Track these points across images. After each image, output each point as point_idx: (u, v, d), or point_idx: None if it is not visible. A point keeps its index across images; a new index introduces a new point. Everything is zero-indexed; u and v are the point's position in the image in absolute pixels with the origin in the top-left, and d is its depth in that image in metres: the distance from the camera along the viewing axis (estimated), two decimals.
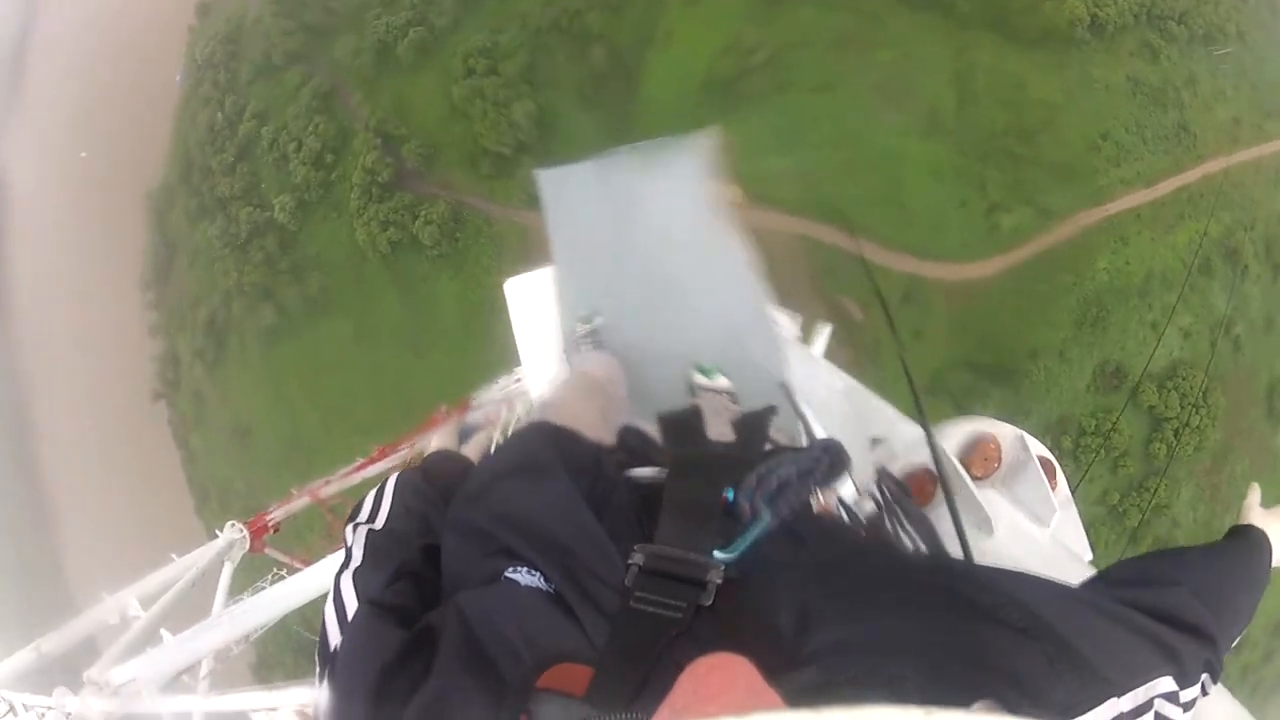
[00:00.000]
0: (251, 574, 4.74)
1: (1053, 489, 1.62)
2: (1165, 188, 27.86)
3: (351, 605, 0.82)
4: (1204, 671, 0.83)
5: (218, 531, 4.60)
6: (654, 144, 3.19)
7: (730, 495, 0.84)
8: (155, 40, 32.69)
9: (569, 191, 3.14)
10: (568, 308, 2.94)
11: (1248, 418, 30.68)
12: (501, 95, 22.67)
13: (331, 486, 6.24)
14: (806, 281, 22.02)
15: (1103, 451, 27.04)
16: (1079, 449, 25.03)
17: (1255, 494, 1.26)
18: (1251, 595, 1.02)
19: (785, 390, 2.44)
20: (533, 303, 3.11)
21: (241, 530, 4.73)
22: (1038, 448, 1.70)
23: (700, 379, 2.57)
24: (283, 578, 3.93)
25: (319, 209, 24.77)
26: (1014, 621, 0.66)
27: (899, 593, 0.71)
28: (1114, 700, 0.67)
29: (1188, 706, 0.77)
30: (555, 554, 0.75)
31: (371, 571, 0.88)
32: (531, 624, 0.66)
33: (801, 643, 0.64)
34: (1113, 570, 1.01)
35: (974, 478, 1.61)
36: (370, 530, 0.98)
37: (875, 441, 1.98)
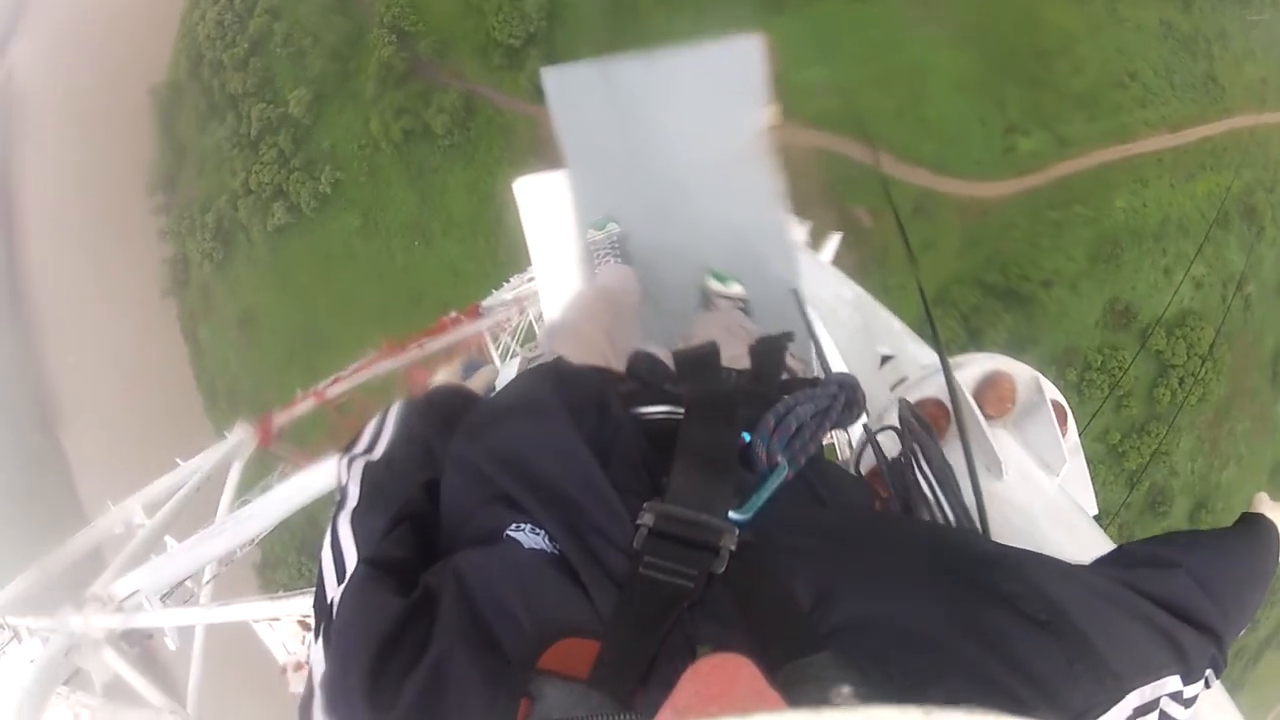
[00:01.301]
0: (258, 472, 4.67)
1: (1063, 435, 1.56)
2: (1189, 135, 27.53)
3: (350, 554, 0.79)
4: (1209, 667, 0.80)
5: (226, 433, 4.40)
6: (692, 42, 2.99)
7: (745, 438, 0.82)
8: None
9: (577, 91, 2.98)
10: (583, 213, 2.84)
11: (1251, 379, 30.63)
12: None
13: (339, 385, 6.08)
14: (818, 189, 21.81)
15: (1107, 388, 26.98)
16: (1084, 383, 25.01)
17: (1264, 497, 1.19)
18: (1258, 588, 0.99)
19: (798, 301, 2.39)
20: (543, 204, 2.99)
21: (250, 430, 4.51)
22: (1052, 391, 1.64)
23: (714, 284, 2.55)
24: (287, 476, 3.82)
25: (334, 101, 24.49)
26: (1036, 613, 0.64)
27: (921, 573, 0.68)
28: (1123, 700, 0.66)
29: (1190, 703, 0.76)
30: (559, 508, 0.71)
31: (369, 514, 0.83)
32: (534, 591, 0.64)
33: (818, 619, 0.62)
34: (1123, 551, 0.98)
35: (987, 416, 1.54)
36: (369, 463, 0.93)
37: (885, 359, 1.91)
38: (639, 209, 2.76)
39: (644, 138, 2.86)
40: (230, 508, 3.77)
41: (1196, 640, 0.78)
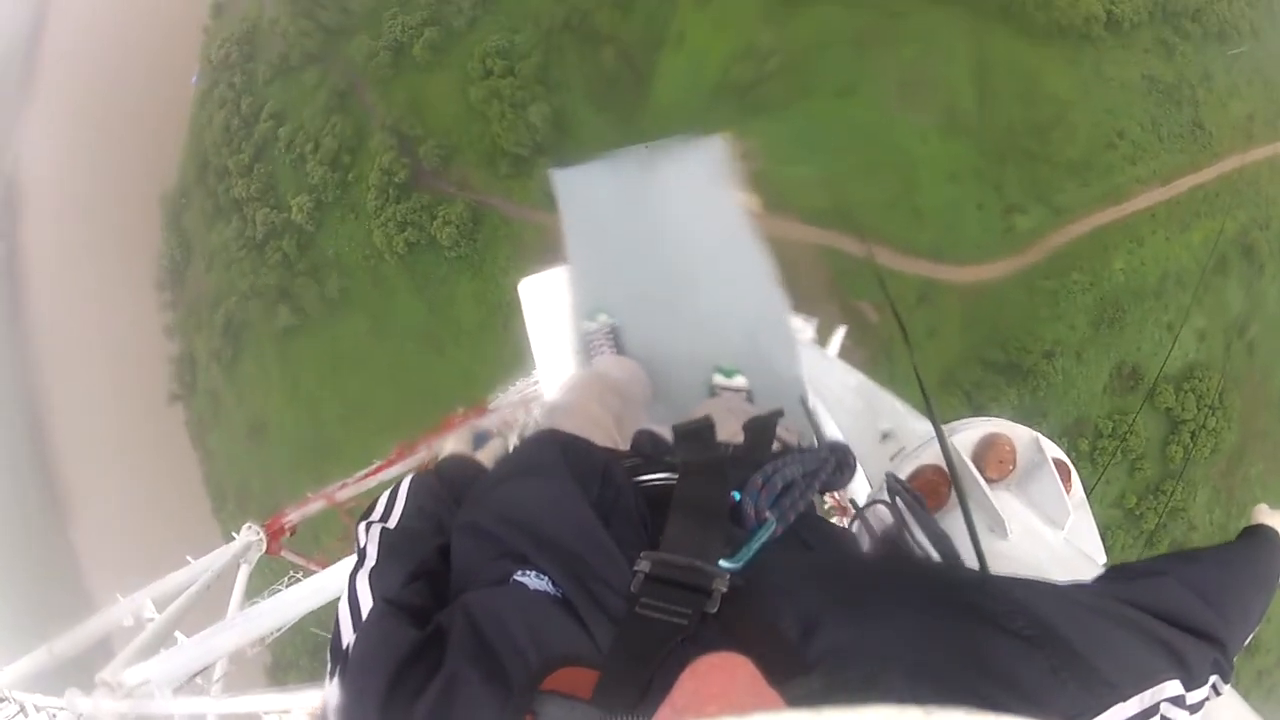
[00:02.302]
0: (268, 577, 4.76)
1: (1067, 492, 1.60)
2: (1181, 186, 27.75)
3: (366, 604, 0.82)
4: (1213, 673, 0.83)
5: (234, 534, 4.56)
6: (671, 142, 3.16)
7: (736, 497, 0.86)
8: (169, 40, 32.78)
9: (584, 189, 3.11)
10: (580, 306, 2.93)
11: (1262, 420, 30.58)
12: (519, 97, 22.72)
13: (349, 490, 6.16)
14: (823, 286, 22.04)
15: (1120, 454, 26.94)
16: (1096, 451, 24.98)
17: (1264, 507, 1.26)
18: (1262, 594, 1.02)
19: (798, 388, 2.48)
20: (547, 303, 3.09)
21: (258, 532, 4.67)
22: (1053, 450, 1.68)
23: (720, 379, 2.63)
24: (299, 580, 3.92)
25: (336, 209, 24.84)
26: (1019, 629, 0.67)
27: (904, 599, 0.71)
28: (1120, 705, 0.68)
29: (1195, 709, 0.78)
30: (563, 559, 0.75)
31: (388, 569, 0.87)
32: (539, 625, 0.67)
33: (806, 648, 0.64)
34: (1116, 569, 1.02)
35: (988, 479, 1.59)
36: (384, 529, 0.98)
37: (885, 435, 1.98)
38: (634, 300, 2.82)
39: (634, 232, 2.95)
40: (240, 606, 3.83)
41: (1195, 646, 0.80)
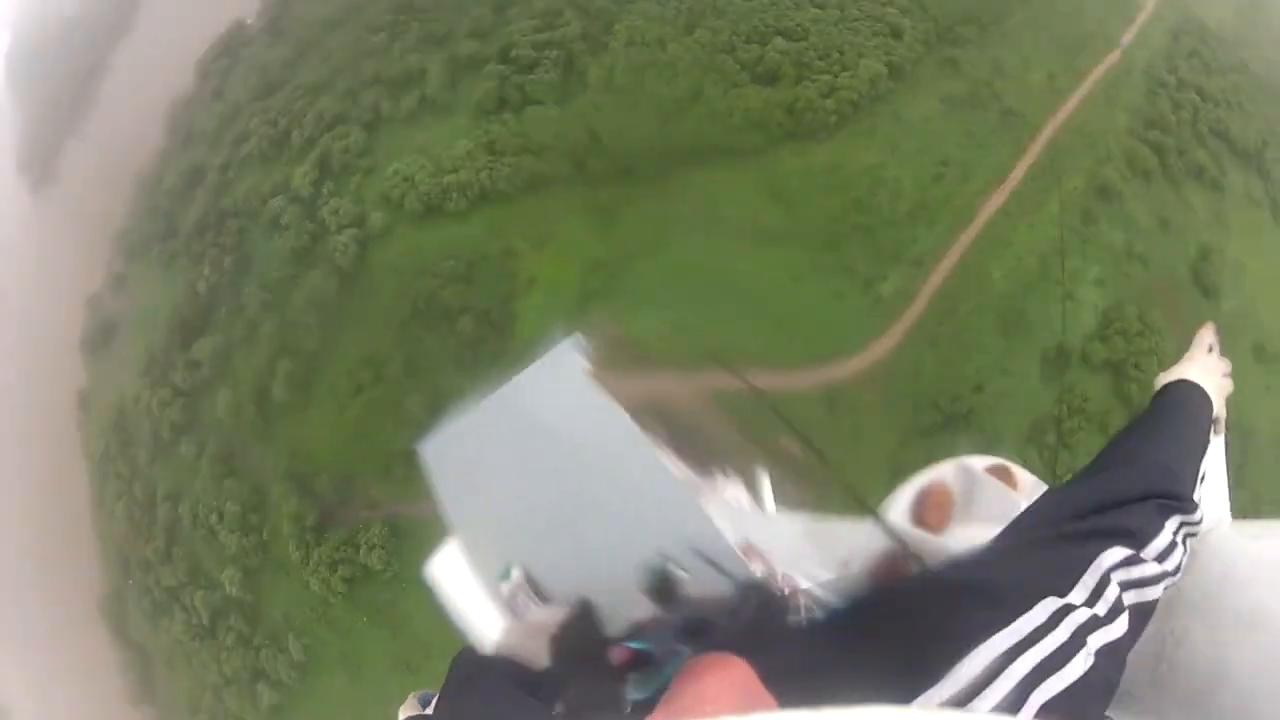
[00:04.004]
0: None
1: (1016, 488, 1.66)
2: (1017, 174, 28.89)
3: None
4: (1165, 517, 0.90)
5: None
6: (519, 366, 3.11)
7: (635, 645, 0.95)
8: (47, 435, 32.40)
9: (450, 451, 2.92)
10: (485, 572, 2.76)
11: (1185, 311, 31.33)
12: (393, 396, 22.79)
13: None
14: (735, 434, 22.15)
15: (1084, 424, 27.28)
16: (1066, 434, 25.24)
17: (1161, 375, 1.35)
18: (1189, 425, 1.13)
19: (711, 558, 2.41)
20: (459, 577, 2.84)
21: None
22: (980, 463, 1.76)
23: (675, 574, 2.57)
24: None
25: (265, 572, 24.27)
26: (913, 599, 0.77)
27: (820, 628, 0.84)
28: (1051, 599, 0.73)
29: (1166, 552, 0.86)
30: None
31: None
32: None
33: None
34: (1045, 497, 1.11)
35: (935, 528, 1.67)
36: None
37: (845, 563, 2.03)
38: (535, 540, 2.64)
39: (510, 469, 2.76)
40: None
41: (1130, 512, 0.87)
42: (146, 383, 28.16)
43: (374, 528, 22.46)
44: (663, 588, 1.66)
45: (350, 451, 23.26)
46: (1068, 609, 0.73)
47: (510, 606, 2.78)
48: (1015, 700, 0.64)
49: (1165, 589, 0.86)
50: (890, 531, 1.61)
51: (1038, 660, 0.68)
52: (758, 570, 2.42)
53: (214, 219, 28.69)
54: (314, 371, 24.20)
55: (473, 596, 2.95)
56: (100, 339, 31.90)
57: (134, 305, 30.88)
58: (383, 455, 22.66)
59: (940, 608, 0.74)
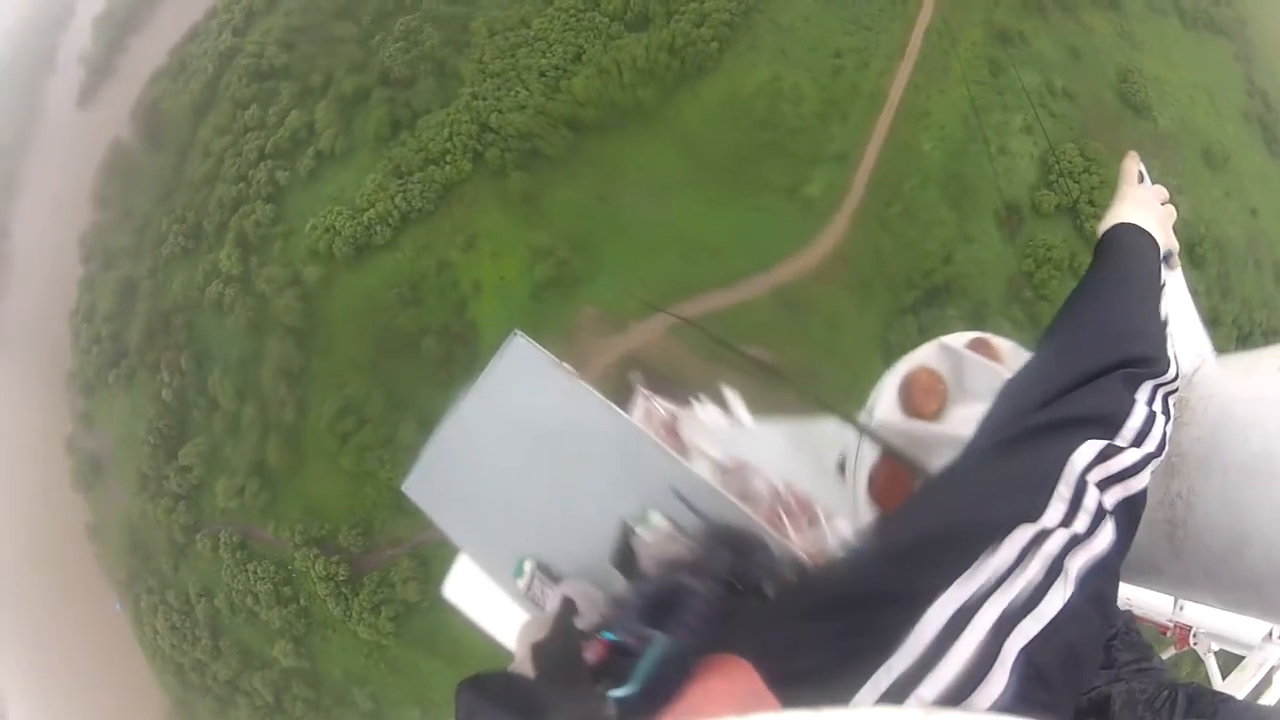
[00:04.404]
0: None
1: (997, 359, 1.59)
2: (913, 49, 28.94)
3: None
4: (1134, 387, 0.83)
5: None
6: (474, 376, 3.37)
7: (608, 637, 0.83)
8: (72, 581, 32.45)
9: (433, 476, 3.21)
10: (499, 573, 3.12)
11: (1123, 134, 31.53)
12: (382, 434, 23.00)
13: None
14: (705, 359, 22.43)
15: (1055, 273, 27.56)
16: (1040, 286, 25.53)
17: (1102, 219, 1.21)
18: (1137, 273, 1.03)
19: (677, 493, 2.37)
20: (476, 590, 2.95)
21: None
22: (959, 340, 1.67)
23: (643, 534, 2.46)
24: None
25: (314, 635, 24.64)
26: (864, 566, 0.72)
27: (791, 608, 0.75)
28: (1021, 530, 0.66)
29: (1142, 433, 0.79)
30: None
31: None
32: None
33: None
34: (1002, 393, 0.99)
35: (931, 416, 1.59)
36: None
37: (840, 463, 1.91)
38: (535, 530, 2.66)
39: (495, 472, 2.99)
40: None
41: (1094, 394, 0.80)
42: (146, 498, 28.30)
43: (403, 562, 22.80)
44: (625, 559, 1.53)
45: (357, 498, 23.50)
46: (1040, 538, 0.66)
47: (531, 599, 3.00)
48: (986, 653, 0.59)
49: (1152, 472, 0.79)
50: (875, 436, 1.53)
51: (1005, 604, 0.62)
52: (753, 491, 2.27)
53: (159, 322, 28.66)
54: (298, 433, 24.37)
55: (496, 603, 2.92)
56: (90, 475, 31.98)
57: (110, 435, 30.92)
58: (390, 492, 22.88)
59: (890, 570, 0.68)
